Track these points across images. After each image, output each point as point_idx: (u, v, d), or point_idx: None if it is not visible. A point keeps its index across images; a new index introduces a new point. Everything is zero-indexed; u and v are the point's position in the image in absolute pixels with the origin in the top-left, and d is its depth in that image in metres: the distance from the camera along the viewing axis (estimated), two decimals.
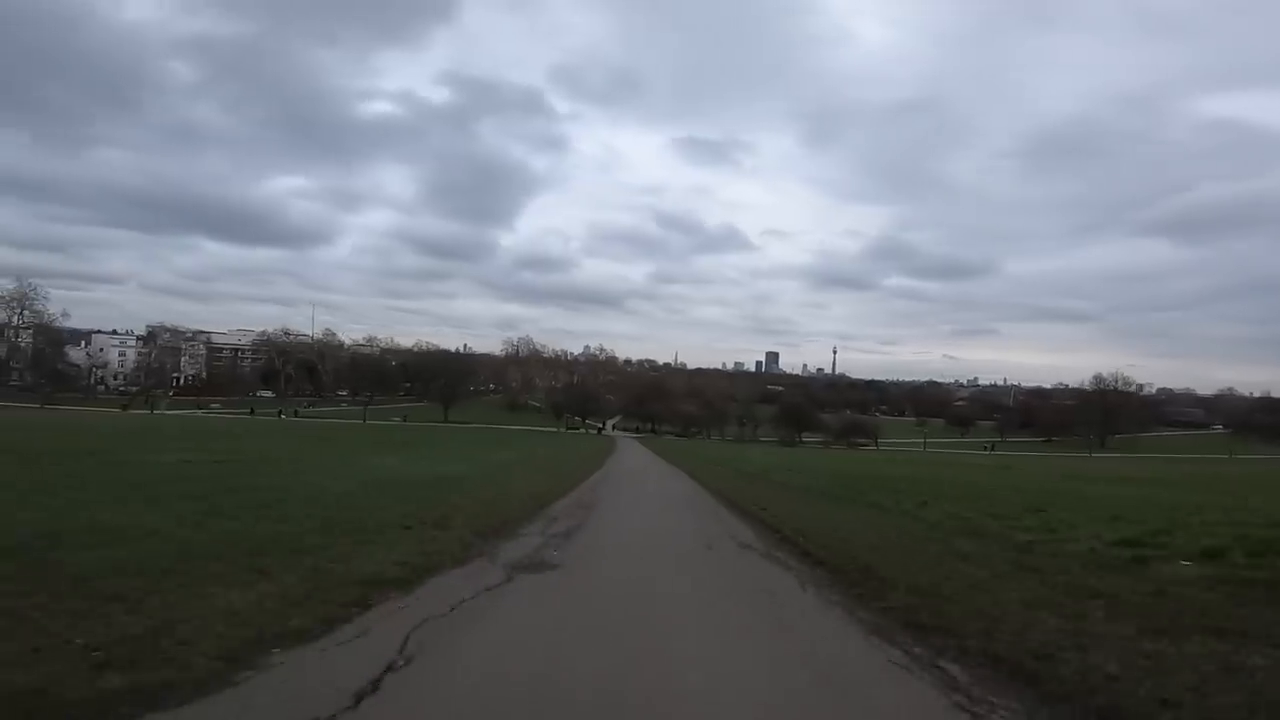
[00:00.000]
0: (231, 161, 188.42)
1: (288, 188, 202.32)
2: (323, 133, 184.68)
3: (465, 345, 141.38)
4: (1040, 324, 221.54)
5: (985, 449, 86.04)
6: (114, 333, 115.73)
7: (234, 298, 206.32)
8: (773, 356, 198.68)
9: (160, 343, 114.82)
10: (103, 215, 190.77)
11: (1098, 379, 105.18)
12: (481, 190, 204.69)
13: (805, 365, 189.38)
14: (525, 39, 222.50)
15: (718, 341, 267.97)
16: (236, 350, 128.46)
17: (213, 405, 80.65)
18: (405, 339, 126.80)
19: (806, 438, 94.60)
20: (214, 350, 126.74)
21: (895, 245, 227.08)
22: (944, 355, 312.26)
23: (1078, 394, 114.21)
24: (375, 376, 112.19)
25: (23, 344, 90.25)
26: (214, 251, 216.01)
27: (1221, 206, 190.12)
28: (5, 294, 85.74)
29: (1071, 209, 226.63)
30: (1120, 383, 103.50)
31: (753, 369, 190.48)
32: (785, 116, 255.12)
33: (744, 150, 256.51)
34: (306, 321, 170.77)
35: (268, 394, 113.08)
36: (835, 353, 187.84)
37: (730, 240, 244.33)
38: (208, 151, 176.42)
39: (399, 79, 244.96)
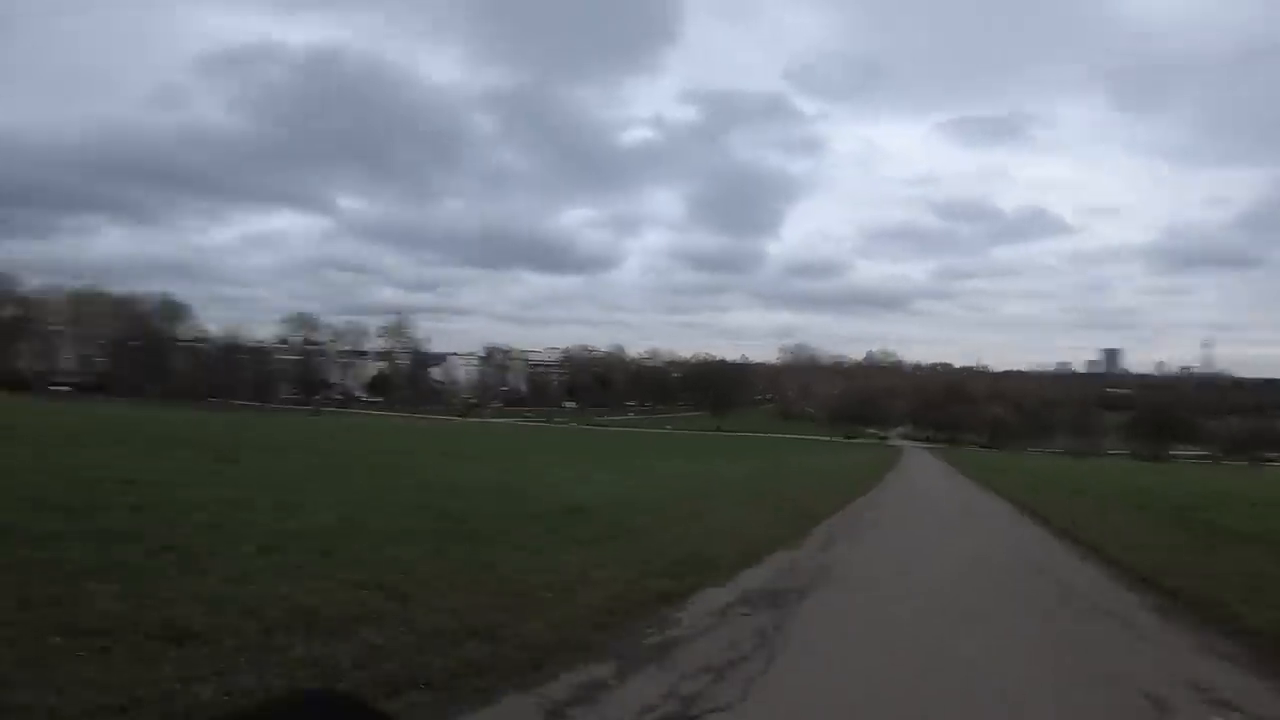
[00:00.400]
0: (535, 199, 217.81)
1: (579, 218, 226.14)
2: (597, 164, 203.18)
3: (743, 355, 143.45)
4: None
5: None
6: (459, 355, 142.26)
7: (550, 321, 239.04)
8: (1112, 355, 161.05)
9: (494, 362, 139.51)
10: (454, 256, 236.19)
11: None
12: (743, 201, 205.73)
13: (1161, 363, 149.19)
14: (752, 46, 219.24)
15: (1034, 341, 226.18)
16: (548, 366, 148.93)
17: (525, 414, 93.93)
18: (686, 351, 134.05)
19: (1178, 452, 72.34)
20: (532, 366, 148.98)
21: None
22: None
23: None
24: (656, 387, 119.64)
25: (400, 365, 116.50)
26: (533, 281, 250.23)
27: None
28: (388, 325, 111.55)
29: None
30: None
31: (1082, 369, 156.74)
32: (1086, 79, 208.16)
33: (1036, 123, 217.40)
34: (605, 338, 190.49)
35: (570, 404, 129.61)
36: (1207, 346, 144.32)
37: (1037, 224, 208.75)
38: (516, 192, 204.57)
39: (647, 104, 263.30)
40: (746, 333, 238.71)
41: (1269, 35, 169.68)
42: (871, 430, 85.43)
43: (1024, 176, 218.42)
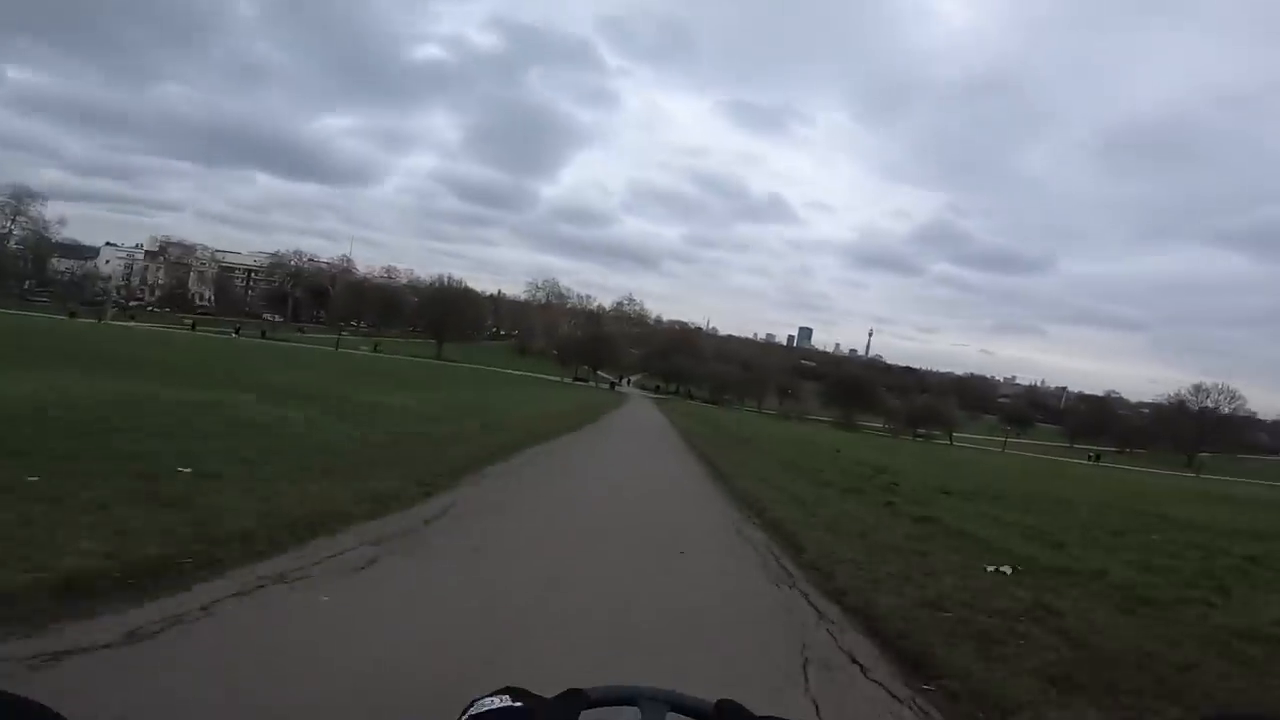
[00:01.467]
0: (287, 99, 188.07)
1: (338, 126, 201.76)
2: (374, 74, 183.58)
3: (500, 291, 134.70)
4: (1087, 328, 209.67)
5: (1089, 458, 73.60)
6: (118, 246, 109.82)
7: (285, 229, 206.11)
8: (806, 332, 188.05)
9: (168, 259, 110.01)
10: (164, 146, 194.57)
11: (1198, 389, 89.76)
12: (526, 140, 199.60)
13: (838, 344, 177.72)
14: None
15: (752, 311, 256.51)
16: (250, 272, 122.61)
17: (185, 320, 73.56)
18: (431, 276, 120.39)
19: (863, 422, 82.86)
20: (225, 270, 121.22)
21: (946, 230, 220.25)
22: (981, 350, 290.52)
23: (1153, 406, 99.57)
24: (383, 307, 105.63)
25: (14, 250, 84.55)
26: (267, 184, 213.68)
27: None
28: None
29: (1143, 211, 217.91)
30: (1225, 397, 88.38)
31: (784, 343, 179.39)
32: (845, 89, 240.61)
33: (797, 119, 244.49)
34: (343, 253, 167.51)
35: (274, 317, 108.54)
36: (871, 334, 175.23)
37: (774, 210, 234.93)
38: (265, 89, 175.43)
39: (449, 23, 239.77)
40: (509, 269, 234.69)
41: (995, 72, 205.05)
42: (601, 374, 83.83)
43: (774, 165, 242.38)
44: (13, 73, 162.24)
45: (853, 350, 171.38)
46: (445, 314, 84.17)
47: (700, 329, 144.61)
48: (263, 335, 70.91)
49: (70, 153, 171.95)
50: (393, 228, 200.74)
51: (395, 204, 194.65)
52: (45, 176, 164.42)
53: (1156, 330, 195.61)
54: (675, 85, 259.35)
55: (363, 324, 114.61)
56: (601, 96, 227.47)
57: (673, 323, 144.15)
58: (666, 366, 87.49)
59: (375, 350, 69.54)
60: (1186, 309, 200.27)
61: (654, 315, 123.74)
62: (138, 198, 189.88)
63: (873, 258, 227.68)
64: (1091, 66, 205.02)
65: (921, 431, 79.75)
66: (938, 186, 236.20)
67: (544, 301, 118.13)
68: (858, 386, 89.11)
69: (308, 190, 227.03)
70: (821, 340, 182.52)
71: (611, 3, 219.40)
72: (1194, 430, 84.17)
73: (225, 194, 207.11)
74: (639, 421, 29.18)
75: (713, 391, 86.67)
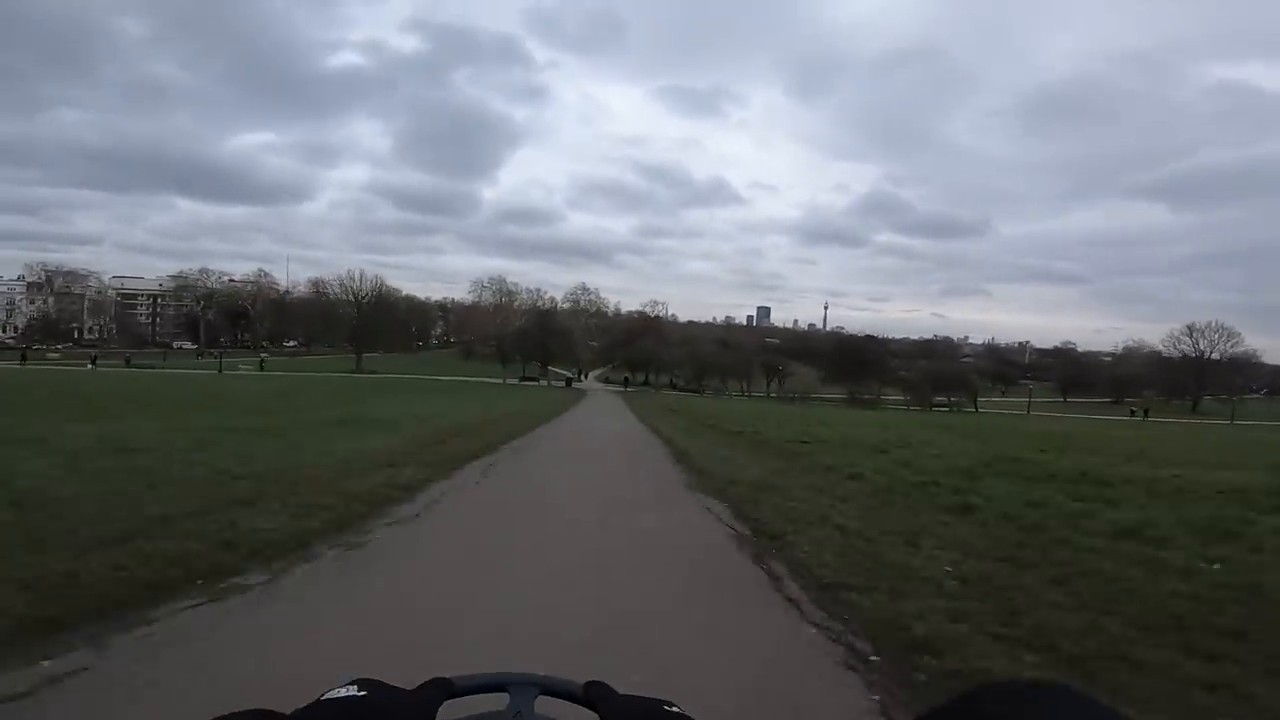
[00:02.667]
0: (196, 118, 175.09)
1: (257, 143, 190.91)
2: (288, 87, 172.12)
3: (451, 299, 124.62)
4: (1028, 285, 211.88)
5: (1131, 413, 66.80)
6: None
7: (217, 255, 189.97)
8: (764, 311, 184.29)
9: (56, 289, 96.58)
10: (67, 176, 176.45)
11: (1191, 329, 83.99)
12: (460, 142, 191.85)
13: (796, 321, 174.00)
14: None
15: (708, 295, 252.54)
16: (156, 298, 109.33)
17: (50, 354, 61.74)
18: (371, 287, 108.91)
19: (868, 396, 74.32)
20: (127, 298, 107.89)
21: (885, 201, 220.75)
22: (932, 313, 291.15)
23: (1145, 353, 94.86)
24: (310, 322, 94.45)
25: None
26: (190, 210, 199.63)
27: (1221, 172, 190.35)
28: None
29: (1067, 170, 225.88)
30: (1221, 336, 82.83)
31: (744, 324, 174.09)
32: (774, 67, 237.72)
33: (732, 101, 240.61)
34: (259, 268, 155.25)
35: (184, 345, 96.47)
36: (826, 309, 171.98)
37: (719, 194, 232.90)
38: (170, 109, 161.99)
39: (365, 29, 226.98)
40: (458, 277, 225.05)
41: (914, 40, 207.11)
42: (553, 369, 73.75)
43: (714, 148, 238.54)
44: None
45: (811, 325, 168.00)
46: (367, 323, 73.39)
47: (660, 316, 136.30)
48: (126, 363, 59.61)
49: None
50: (332, 244, 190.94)
51: (331, 219, 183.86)
52: None
53: (1095, 282, 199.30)
54: (607, 75, 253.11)
55: (292, 342, 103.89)
56: (533, 92, 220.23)
57: (631, 313, 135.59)
58: (632, 354, 77.55)
59: (260, 369, 58.61)
60: (1118, 260, 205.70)
61: (611, 305, 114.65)
62: (48, 233, 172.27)
63: (819, 233, 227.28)
64: (1006, 31, 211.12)
65: (943, 400, 71.59)
66: (873, 159, 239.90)
67: (493, 302, 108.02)
68: (861, 358, 79.95)
69: (236, 213, 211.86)
70: (780, 318, 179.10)
71: None
72: (1194, 375, 78.92)
73: (144, 223, 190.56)
74: (597, 433, 19.08)
75: (692, 377, 77.16)
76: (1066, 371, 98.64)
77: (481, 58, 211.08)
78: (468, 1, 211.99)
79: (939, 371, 77.35)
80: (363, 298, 77.90)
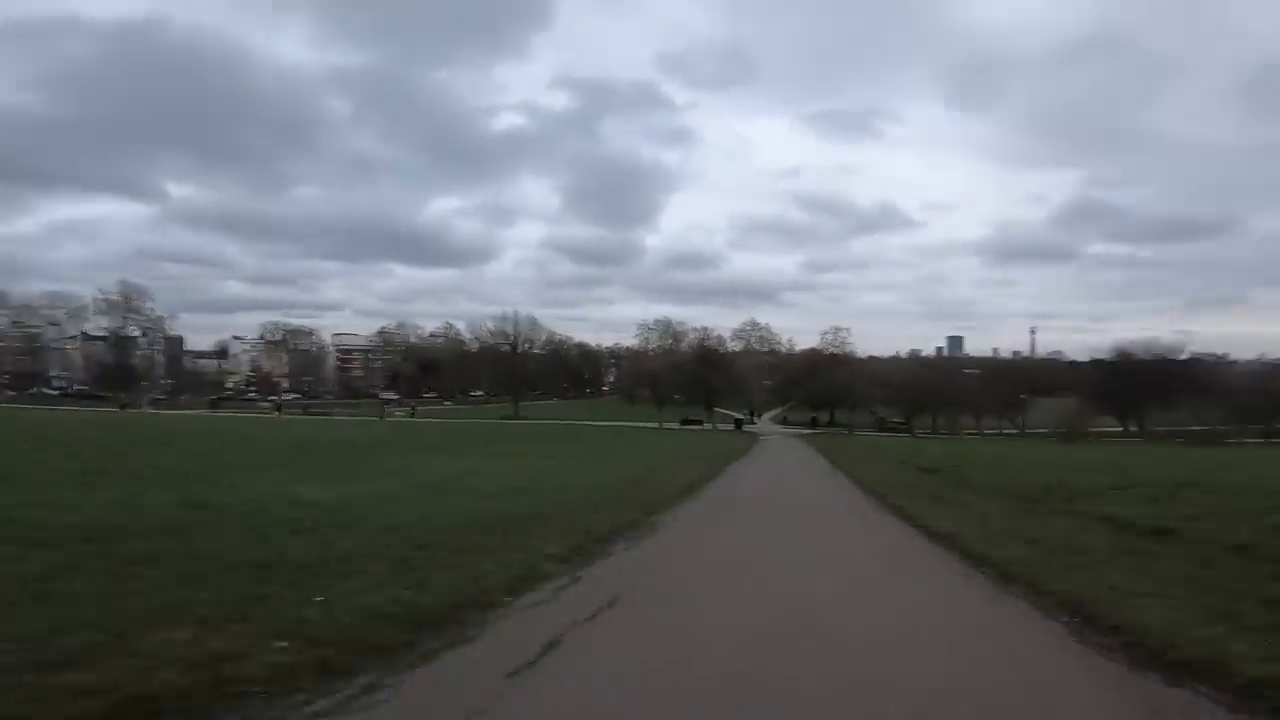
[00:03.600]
0: (399, 188, 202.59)
1: (448, 208, 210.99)
2: (465, 152, 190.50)
3: (622, 345, 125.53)
4: None
5: None
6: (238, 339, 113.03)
7: (426, 316, 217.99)
8: (955, 341, 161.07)
9: (287, 347, 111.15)
10: (311, 249, 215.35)
11: None
12: (618, 192, 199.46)
13: (996, 350, 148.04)
14: (622, 33, 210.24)
15: (887, 331, 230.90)
16: (367, 352, 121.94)
17: (263, 405, 67.93)
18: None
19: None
20: (343, 353, 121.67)
21: (1093, 208, 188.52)
22: (1175, 330, 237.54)
23: None
24: (504, 372, 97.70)
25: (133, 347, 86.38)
26: (404, 274, 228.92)
27: None
28: (106, 298, 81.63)
29: None
30: None
31: (933, 355, 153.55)
32: (928, 79, 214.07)
33: (886, 119, 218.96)
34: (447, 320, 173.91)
35: (390, 395, 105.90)
36: (1034, 333, 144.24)
37: (889, 219, 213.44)
38: (378, 181, 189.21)
39: (518, 91, 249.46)
40: (628, 325, 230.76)
41: (1092, 28, 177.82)
42: (719, 411, 65.88)
43: (876, 172, 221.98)
44: (173, 189, 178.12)
45: (1016, 353, 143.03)
46: (521, 369, 71.68)
47: (835, 354, 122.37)
48: (305, 411, 63.17)
49: (241, 264, 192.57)
50: (519, 300, 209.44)
51: (515, 277, 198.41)
52: (228, 288, 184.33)
53: None
54: (749, 108, 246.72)
55: (478, 391, 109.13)
56: (678, 134, 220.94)
57: (808, 350, 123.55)
58: (815, 389, 66.28)
59: (410, 415, 58.31)
60: None
61: (784, 340, 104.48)
62: (303, 301, 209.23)
63: (1014, 251, 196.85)
64: (1201, 6, 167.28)
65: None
66: (1071, 163, 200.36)
67: (659, 345, 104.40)
68: (1141, 378, 60.14)
69: (439, 275, 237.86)
70: (975, 348, 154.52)
71: (666, 40, 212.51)
72: None
73: (371, 289, 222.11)
74: (791, 520, 10.56)
75: (904, 412, 63.44)
76: None
77: (624, 105, 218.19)
78: (603, 53, 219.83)
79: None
80: (516, 342, 77.19)
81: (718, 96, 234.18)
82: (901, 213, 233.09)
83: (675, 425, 53.13)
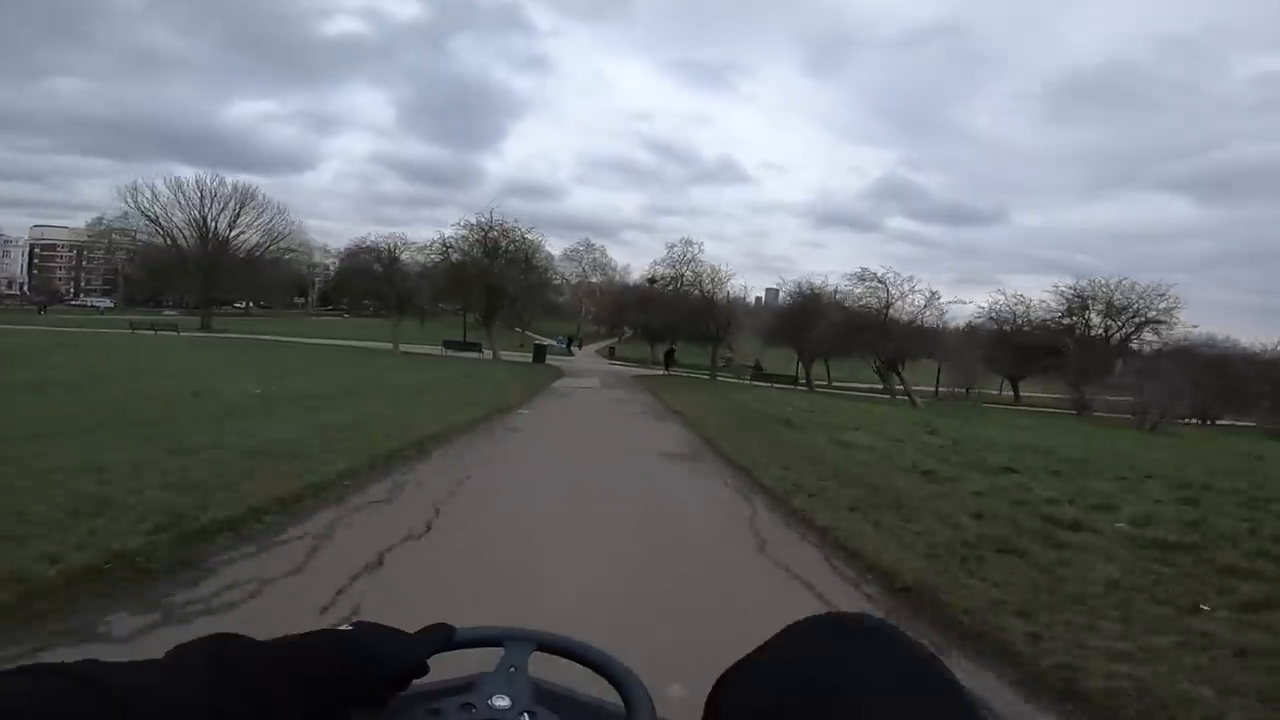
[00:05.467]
0: (194, 86, 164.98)
1: (257, 112, 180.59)
2: (285, 54, 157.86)
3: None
4: (1049, 276, 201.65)
5: None
6: None
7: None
8: (772, 293, 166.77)
9: None
10: (70, 144, 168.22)
11: None
12: (463, 113, 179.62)
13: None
14: None
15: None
16: (82, 249, 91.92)
17: None
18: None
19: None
20: (47, 248, 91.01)
21: (901, 186, 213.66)
22: (946, 302, 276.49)
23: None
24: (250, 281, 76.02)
25: None
26: (192, 178, 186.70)
27: (1256, 167, 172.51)
28: None
29: (1091, 160, 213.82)
30: None
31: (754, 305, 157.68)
32: (788, 42, 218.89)
33: (743, 75, 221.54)
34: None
35: (104, 302, 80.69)
36: (836, 293, 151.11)
37: (727, 172, 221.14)
38: (168, 77, 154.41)
39: None
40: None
41: (938, 13, 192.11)
42: (529, 334, 50.10)
43: (723, 126, 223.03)
44: None
45: None
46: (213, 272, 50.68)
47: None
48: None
49: None
50: (341, 214, 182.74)
51: (337, 191, 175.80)
52: None
53: (1117, 277, 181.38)
54: (614, 46, 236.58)
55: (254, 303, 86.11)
56: (536, 61, 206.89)
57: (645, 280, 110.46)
58: (659, 316, 45.82)
59: (133, 328, 36.96)
60: (1141, 256, 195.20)
61: (620, 267, 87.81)
62: (57, 200, 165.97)
63: (830, 216, 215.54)
64: (1033, 12, 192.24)
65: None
66: (890, 143, 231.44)
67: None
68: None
69: (237, 181, 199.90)
70: (788, 302, 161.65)
71: None
72: None
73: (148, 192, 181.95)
74: None
75: (834, 345, 42.60)
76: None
77: (483, 24, 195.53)
78: None
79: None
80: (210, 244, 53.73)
81: (584, 28, 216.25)
82: (739, 167, 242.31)
83: (441, 352, 37.17)
